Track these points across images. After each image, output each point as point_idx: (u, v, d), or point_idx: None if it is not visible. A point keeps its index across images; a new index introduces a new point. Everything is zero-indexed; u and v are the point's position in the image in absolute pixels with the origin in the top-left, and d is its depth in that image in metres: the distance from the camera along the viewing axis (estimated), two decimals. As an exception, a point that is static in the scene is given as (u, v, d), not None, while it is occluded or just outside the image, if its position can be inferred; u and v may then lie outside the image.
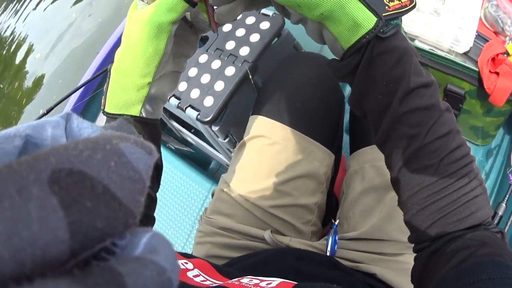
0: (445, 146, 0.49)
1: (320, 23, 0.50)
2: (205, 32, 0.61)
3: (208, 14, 0.54)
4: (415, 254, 0.74)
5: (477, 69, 1.02)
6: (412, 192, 0.51)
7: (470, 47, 1.04)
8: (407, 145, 0.50)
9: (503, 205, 0.96)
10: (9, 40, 3.42)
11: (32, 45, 3.21)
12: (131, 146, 0.19)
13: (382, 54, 0.49)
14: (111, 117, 0.55)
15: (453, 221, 0.48)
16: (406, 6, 0.49)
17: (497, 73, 1.00)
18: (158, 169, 0.62)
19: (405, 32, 1.07)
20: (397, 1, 0.49)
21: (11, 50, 3.31)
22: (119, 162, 0.18)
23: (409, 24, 1.08)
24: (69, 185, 0.16)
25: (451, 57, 1.05)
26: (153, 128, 0.60)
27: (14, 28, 3.48)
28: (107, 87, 0.55)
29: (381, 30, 0.48)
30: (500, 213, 0.96)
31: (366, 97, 0.53)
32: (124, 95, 0.53)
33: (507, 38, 1.05)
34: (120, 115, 0.54)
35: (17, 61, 3.18)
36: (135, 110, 0.55)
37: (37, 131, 0.21)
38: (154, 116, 0.60)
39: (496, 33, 1.06)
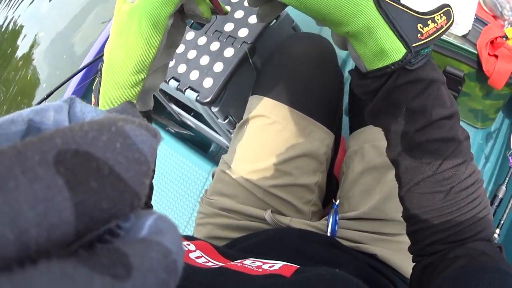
0: (458, 175, 0.48)
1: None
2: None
3: (213, 2, 0.53)
4: None
5: (476, 52, 1.02)
6: (418, 211, 0.51)
7: (469, 30, 1.04)
8: (420, 170, 0.50)
9: (503, 187, 0.97)
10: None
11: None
12: (136, 128, 0.19)
13: (406, 84, 0.47)
14: None
15: (455, 240, 0.49)
16: (442, 27, 0.46)
17: (496, 56, 1.00)
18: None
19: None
20: (433, 23, 0.46)
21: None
22: (125, 143, 0.18)
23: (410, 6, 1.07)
24: (75, 166, 0.16)
25: (450, 39, 1.05)
26: (146, 119, 0.59)
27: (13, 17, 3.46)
28: (99, 85, 0.53)
29: (410, 62, 0.45)
30: (500, 195, 0.96)
31: (385, 116, 0.52)
32: (119, 92, 0.51)
33: (506, 22, 1.04)
34: None
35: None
36: None
37: (39, 115, 0.21)
38: (147, 108, 0.59)
39: (495, 17, 1.06)
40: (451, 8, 0.47)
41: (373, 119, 0.54)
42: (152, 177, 0.64)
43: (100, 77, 0.53)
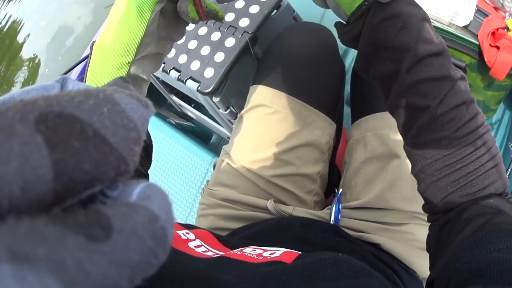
0: (459, 117, 0.47)
1: None
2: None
3: (194, 2, 0.53)
4: (417, 225, 0.74)
5: (477, 43, 1.02)
6: (426, 163, 0.50)
7: (470, 21, 1.04)
8: (419, 115, 0.49)
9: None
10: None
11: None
12: (126, 97, 0.19)
13: (384, 20, 0.48)
14: None
15: (467, 193, 0.47)
16: None
17: (498, 47, 1.00)
18: (148, 147, 0.62)
19: None
20: None
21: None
22: (113, 109, 0.18)
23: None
24: (57, 126, 0.16)
25: (451, 30, 1.04)
26: None
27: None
28: (88, 64, 0.54)
29: None
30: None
31: (373, 62, 0.52)
32: (104, 72, 0.52)
33: (507, 14, 1.04)
34: None
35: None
36: None
37: (31, 95, 0.21)
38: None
39: (495, 8, 1.06)
40: None
41: (364, 68, 0.55)
42: (148, 166, 0.64)
43: (90, 54, 0.54)
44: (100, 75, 0.52)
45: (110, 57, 0.52)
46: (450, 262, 0.43)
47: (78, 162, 0.16)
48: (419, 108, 0.49)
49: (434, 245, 0.51)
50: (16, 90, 0.21)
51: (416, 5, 0.49)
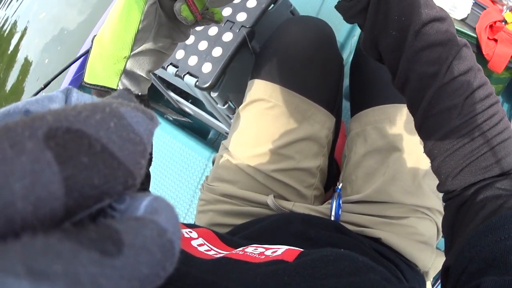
0: (467, 84, 0.47)
1: None
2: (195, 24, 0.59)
3: (187, 2, 0.53)
4: (418, 218, 0.74)
5: (475, 36, 1.02)
6: (438, 137, 0.50)
7: (468, 14, 1.04)
8: (428, 84, 0.49)
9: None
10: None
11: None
12: (131, 110, 0.19)
13: None
14: (89, 87, 0.54)
15: (481, 167, 0.47)
16: None
17: (495, 40, 1.00)
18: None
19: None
20: None
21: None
22: (119, 123, 0.18)
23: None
24: (66, 141, 0.16)
25: (449, 22, 1.04)
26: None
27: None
28: (88, 56, 0.55)
29: None
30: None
31: (380, 35, 0.53)
32: (102, 66, 0.53)
33: (504, 7, 1.04)
34: (98, 85, 0.54)
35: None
36: (113, 83, 0.54)
37: (36, 106, 0.21)
38: (140, 91, 0.59)
39: (493, 1, 1.06)
40: None
41: (370, 44, 0.55)
42: (149, 164, 0.64)
43: (91, 48, 0.54)
44: (98, 69, 0.53)
45: (107, 52, 0.52)
46: (464, 250, 0.43)
47: (87, 177, 0.16)
48: (428, 76, 0.49)
49: (449, 228, 0.51)
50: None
51: None
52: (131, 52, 0.52)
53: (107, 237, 0.15)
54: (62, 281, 0.13)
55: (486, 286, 0.36)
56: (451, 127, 0.48)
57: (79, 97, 0.23)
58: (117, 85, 0.54)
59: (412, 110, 0.54)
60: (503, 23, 0.99)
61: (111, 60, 0.52)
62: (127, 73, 0.55)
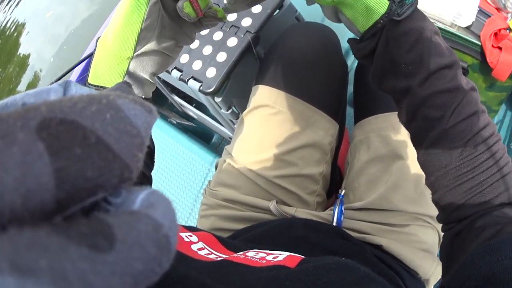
0: (471, 127, 0.48)
1: (335, 6, 0.50)
2: (199, 26, 0.60)
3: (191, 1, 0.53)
4: (420, 226, 0.74)
5: (479, 43, 1.02)
6: (440, 173, 0.50)
7: (472, 22, 1.04)
8: (432, 127, 0.50)
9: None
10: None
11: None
12: (129, 102, 0.18)
13: (398, 37, 0.49)
14: (93, 88, 0.54)
15: (481, 202, 0.48)
16: None
17: (500, 48, 1.00)
18: (150, 150, 0.62)
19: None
20: None
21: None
22: (116, 115, 0.17)
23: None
24: (59, 133, 0.15)
25: (454, 30, 1.04)
26: None
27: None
28: (92, 57, 0.55)
29: (396, 13, 0.47)
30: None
31: (387, 77, 0.53)
32: (105, 67, 0.53)
33: (509, 14, 1.04)
34: (101, 87, 0.54)
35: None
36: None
37: (34, 99, 0.21)
38: (144, 95, 0.59)
39: (498, 9, 1.06)
40: None
41: (378, 82, 0.55)
42: (151, 168, 0.63)
43: (95, 49, 0.55)
44: (101, 70, 0.53)
45: (110, 52, 0.52)
46: (462, 268, 0.44)
47: (80, 169, 0.16)
48: (433, 120, 0.50)
49: (447, 255, 0.52)
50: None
51: (426, 19, 0.51)
52: (134, 52, 0.53)
53: (99, 232, 0.15)
54: (47, 277, 0.13)
55: None
56: (452, 166, 0.49)
57: (77, 90, 0.23)
58: None
59: (415, 145, 0.55)
60: (508, 30, 0.99)
61: (114, 61, 0.52)
62: (131, 75, 0.55)
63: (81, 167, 0.16)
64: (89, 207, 0.17)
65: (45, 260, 0.13)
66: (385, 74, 0.53)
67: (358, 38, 0.54)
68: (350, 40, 0.56)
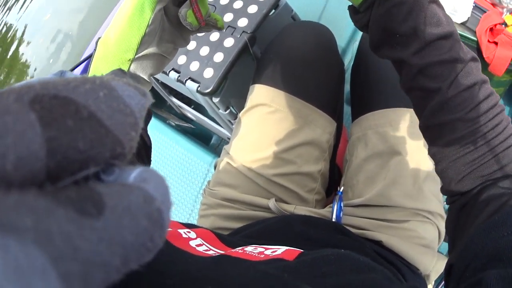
0: (471, 99, 0.48)
1: None
2: (197, 30, 0.60)
3: (192, 8, 0.54)
4: (420, 222, 0.74)
5: (475, 39, 1.02)
6: (441, 143, 0.50)
7: (468, 17, 1.04)
8: (430, 97, 0.50)
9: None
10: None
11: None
12: (123, 84, 0.19)
13: (391, 8, 0.49)
14: None
15: (484, 174, 0.48)
16: None
17: (496, 43, 1.00)
18: (147, 146, 0.62)
19: None
20: None
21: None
22: (109, 94, 0.18)
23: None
24: (52, 106, 0.16)
25: (450, 26, 1.05)
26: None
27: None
28: (92, 58, 0.55)
29: None
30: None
31: (384, 47, 0.53)
32: (106, 67, 0.53)
33: (504, 9, 1.05)
34: None
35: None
36: None
37: None
38: None
39: (493, 4, 1.06)
40: None
41: (376, 50, 0.55)
42: (149, 157, 0.63)
43: (95, 50, 0.54)
44: (102, 71, 0.53)
45: (112, 53, 0.52)
46: (468, 246, 0.43)
47: (72, 140, 0.16)
48: (430, 91, 0.49)
49: (453, 228, 0.52)
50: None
51: None
52: (135, 55, 0.53)
53: (88, 198, 0.15)
54: (31, 236, 0.13)
55: (490, 278, 0.36)
56: (454, 136, 0.49)
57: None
58: None
59: (417, 113, 0.55)
60: (503, 25, 1.00)
61: (115, 62, 0.52)
62: (132, 76, 0.55)
63: (72, 138, 0.16)
64: (81, 183, 0.17)
65: (29, 219, 0.13)
66: (381, 44, 0.53)
67: (355, 7, 0.55)
68: (349, 8, 0.56)
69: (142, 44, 0.53)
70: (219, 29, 0.60)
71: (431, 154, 0.53)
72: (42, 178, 0.15)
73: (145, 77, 0.56)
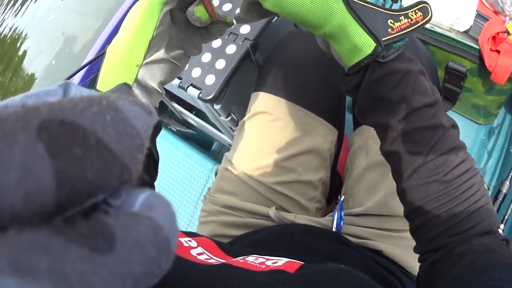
0: (449, 162, 0.50)
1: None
2: (208, 36, 0.60)
3: (203, 1, 0.53)
4: None
5: (478, 47, 1.02)
6: (417, 204, 0.52)
7: (471, 26, 1.04)
8: (411, 161, 0.51)
9: (507, 183, 0.97)
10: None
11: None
12: (129, 104, 0.18)
13: (382, 77, 0.50)
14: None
15: (457, 232, 0.49)
16: (417, 22, 0.49)
17: (498, 51, 1.00)
18: (154, 160, 0.62)
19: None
20: (406, 19, 0.49)
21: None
22: (116, 117, 0.17)
23: (410, 2, 1.07)
24: (59, 134, 0.15)
25: (452, 35, 1.05)
26: None
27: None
28: (101, 65, 0.54)
29: (381, 55, 0.48)
30: (504, 191, 0.97)
31: (370, 112, 0.55)
32: (114, 74, 0.52)
33: (507, 17, 1.05)
34: None
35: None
36: None
37: (33, 100, 0.20)
38: (150, 104, 0.59)
39: (496, 12, 1.07)
40: (429, 5, 0.51)
41: (362, 116, 0.57)
42: (155, 177, 0.63)
43: (104, 57, 0.54)
44: (110, 78, 0.52)
45: (119, 59, 0.52)
46: None
47: (81, 171, 0.15)
48: (412, 154, 0.51)
49: (423, 284, 0.53)
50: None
51: (413, 60, 0.52)
52: (143, 60, 0.52)
53: (99, 233, 0.15)
54: (48, 279, 0.13)
55: None
56: (429, 198, 0.51)
57: (77, 91, 0.23)
58: None
59: (394, 177, 0.56)
60: (506, 34, 1.00)
61: (123, 68, 0.52)
62: (139, 84, 0.55)
63: (81, 168, 0.15)
64: (89, 209, 0.17)
65: (45, 262, 0.13)
66: (368, 109, 0.55)
67: (344, 70, 0.55)
68: (338, 72, 0.57)
69: (151, 48, 0.52)
70: (228, 24, 0.60)
71: (406, 214, 0.55)
72: (51, 211, 0.15)
73: (155, 85, 0.56)
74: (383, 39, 0.47)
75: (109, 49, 0.53)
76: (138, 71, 0.53)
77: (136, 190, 0.18)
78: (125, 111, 0.18)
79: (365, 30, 0.47)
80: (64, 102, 0.16)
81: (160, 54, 0.55)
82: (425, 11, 0.50)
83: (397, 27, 0.48)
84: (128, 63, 0.52)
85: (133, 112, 0.18)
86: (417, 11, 0.50)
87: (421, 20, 0.50)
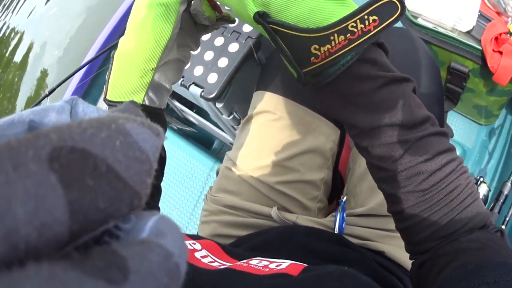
0: (423, 171, 0.47)
1: None
2: (206, 30, 0.60)
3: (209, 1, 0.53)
4: None
5: (480, 48, 1.02)
6: (403, 207, 0.50)
7: (473, 26, 1.05)
8: (380, 169, 0.51)
9: (509, 184, 0.97)
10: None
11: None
12: (137, 126, 0.18)
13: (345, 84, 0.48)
14: (112, 105, 0.53)
15: (447, 234, 0.47)
16: (367, 32, 0.40)
17: (501, 52, 1.00)
18: (161, 160, 0.61)
19: (408, 10, 1.07)
20: (342, 36, 0.40)
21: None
22: (125, 142, 0.17)
23: (412, 1, 1.07)
24: (70, 163, 0.15)
25: (454, 35, 1.05)
26: (156, 118, 0.58)
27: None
28: (109, 73, 0.53)
29: (310, 82, 0.46)
30: (505, 192, 0.97)
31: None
32: (127, 81, 0.51)
33: (510, 18, 1.05)
34: (121, 103, 0.52)
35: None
36: (138, 97, 0.52)
37: (40, 116, 0.21)
38: (158, 105, 0.58)
39: (498, 13, 1.07)
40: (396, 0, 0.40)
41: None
42: (160, 180, 0.63)
43: (111, 64, 0.53)
44: (122, 84, 0.51)
45: (132, 65, 0.51)
46: None
47: (93, 201, 0.16)
48: (377, 168, 0.51)
49: (416, 281, 0.52)
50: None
51: (355, 80, 0.48)
52: (158, 63, 0.51)
53: (113, 264, 0.15)
54: None
55: None
56: (410, 204, 0.49)
57: (84, 108, 0.23)
58: (143, 99, 0.53)
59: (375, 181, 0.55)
60: (508, 35, 0.99)
61: (138, 74, 0.51)
62: (154, 86, 0.54)
63: (93, 198, 0.16)
64: (100, 233, 0.17)
65: None
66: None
67: None
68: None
69: (166, 49, 0.51)
70: (231, 21, 0.60)
71: (392, 213, 0.54)
72: (65, 240, 0.15)
73: (168, 85, 0.55)
74: (303, 71, 0.44)
75: (117, 56, 0.52)
76: (153, 75, 0.52)
77: (146, 213, 0.19)
78: (134, 134, 0.18)
79: (287, 62, 0.44)
80: (73, 127, 0.16)
81: (172, 54, 0.54)
82: (385, 10, 0.40)
83: (324, 52, 0.41)
84: (143, 68, 0.50)
85: (142, 135, 0.18)
86: (367, 16, 0.40)
87: (374, 28, 0.40)
